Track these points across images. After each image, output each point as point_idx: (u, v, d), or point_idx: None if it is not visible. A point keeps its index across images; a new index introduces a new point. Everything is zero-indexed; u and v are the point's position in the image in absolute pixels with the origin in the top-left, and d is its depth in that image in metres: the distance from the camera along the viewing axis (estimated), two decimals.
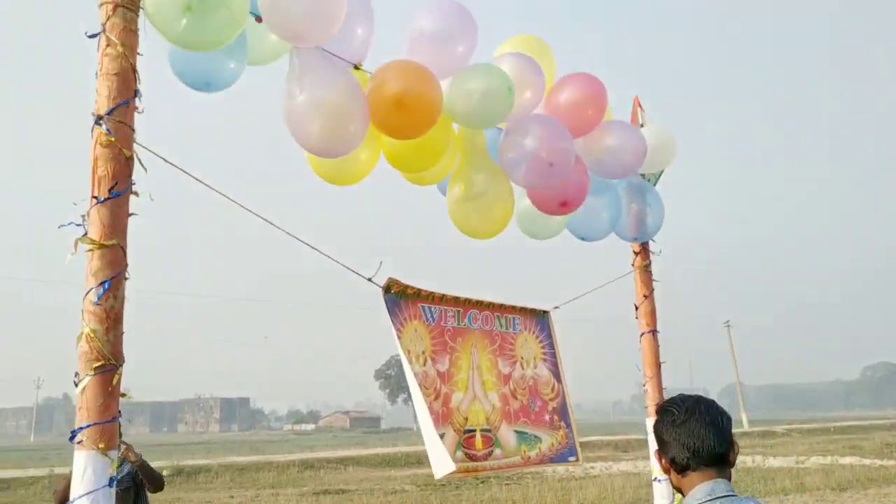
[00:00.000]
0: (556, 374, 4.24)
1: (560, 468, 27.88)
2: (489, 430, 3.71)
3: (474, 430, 3.61)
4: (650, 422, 4.19)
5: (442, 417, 3.41)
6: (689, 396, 2.04)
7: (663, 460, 2.01)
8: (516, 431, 3.87)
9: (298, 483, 24.49)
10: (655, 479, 4.04)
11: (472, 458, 3.54)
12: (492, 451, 3.67)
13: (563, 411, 4.19)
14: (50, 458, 37.05)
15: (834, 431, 47.91)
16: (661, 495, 4.01)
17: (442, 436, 3.34)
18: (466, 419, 3.58)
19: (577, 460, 4.13)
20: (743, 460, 27.51)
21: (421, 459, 34.14)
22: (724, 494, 1.88)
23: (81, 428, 2.04)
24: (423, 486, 21.65)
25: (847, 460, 24.72)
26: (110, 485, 2.05)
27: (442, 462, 3.17)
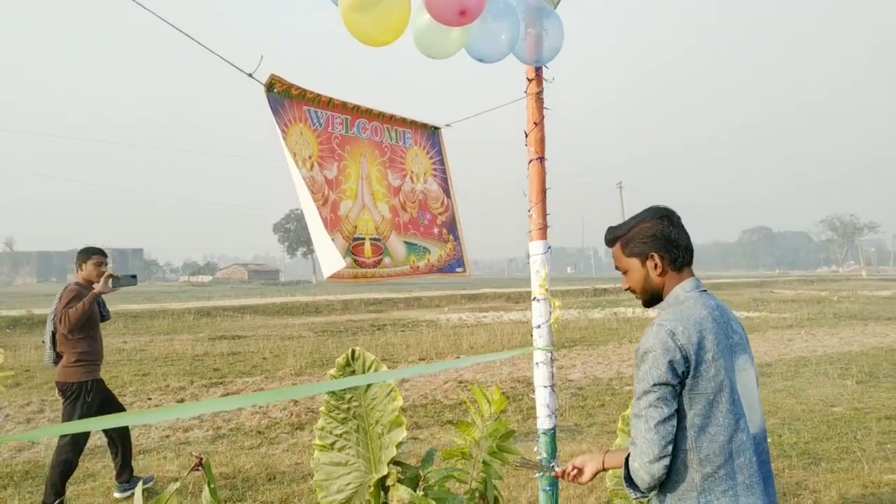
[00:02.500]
0: (446, 190, 4.25)
1: (453, 316, 29.06)
2: (378, 240, 3.71)
3: (363, 239, 3.61)
4: (534, 245, 4.35)
5: (330, 224, 3.37)
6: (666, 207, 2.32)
7: (665, 259, 2.24)
8: (405, 242, 3.90)
9: (194, 329, 24.57)
10: (535, 298, 4.20)
11: (361, 264, 3.56)
12: (381, 260, 3.69)
13: (451, 225, 4.23)
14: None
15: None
16: (539, 313, 4.20)
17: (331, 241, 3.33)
18: (356, 227, 3.57)
19: (465, 272, 4.22)
20: (623, 312, 29.40)
21: (319, 308, 34.62)
22: (703, 288, 2.23)
23: None
24: (319, 333, 22.16)
25: None
26: None
27: (332, 260, 3.17)
